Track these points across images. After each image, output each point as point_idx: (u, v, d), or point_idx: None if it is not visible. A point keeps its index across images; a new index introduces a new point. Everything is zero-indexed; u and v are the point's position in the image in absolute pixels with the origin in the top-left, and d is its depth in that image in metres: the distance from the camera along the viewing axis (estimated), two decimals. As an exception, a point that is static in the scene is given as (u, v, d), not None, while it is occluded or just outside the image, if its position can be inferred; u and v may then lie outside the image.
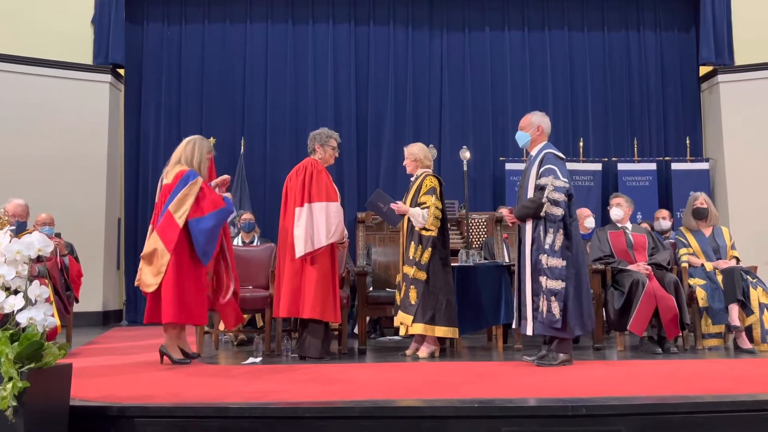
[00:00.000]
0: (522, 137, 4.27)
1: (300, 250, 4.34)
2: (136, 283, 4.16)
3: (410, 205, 4.59)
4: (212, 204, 4.08)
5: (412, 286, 4.46)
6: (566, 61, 8.94)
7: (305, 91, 8.68)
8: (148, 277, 4.03)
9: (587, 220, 5.84)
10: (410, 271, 4.49)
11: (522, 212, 4.06)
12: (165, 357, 4.17)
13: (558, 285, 3.87)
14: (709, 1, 8.50)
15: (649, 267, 4.83)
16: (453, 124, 8.74)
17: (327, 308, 4.37)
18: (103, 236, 7.92)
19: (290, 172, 4.64)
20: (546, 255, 3.91)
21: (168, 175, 4.19)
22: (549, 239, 3.92)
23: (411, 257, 4.50)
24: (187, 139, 4.33)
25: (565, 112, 8.82)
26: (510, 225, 4.30)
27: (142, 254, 4.11)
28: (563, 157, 4.19)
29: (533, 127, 4.22)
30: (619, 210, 5.12)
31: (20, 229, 4.90)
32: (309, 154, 4.67)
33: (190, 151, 4.23)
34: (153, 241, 4.05)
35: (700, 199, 5.20)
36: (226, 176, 4.38)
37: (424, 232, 4.48)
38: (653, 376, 3.62)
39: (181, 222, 4.01)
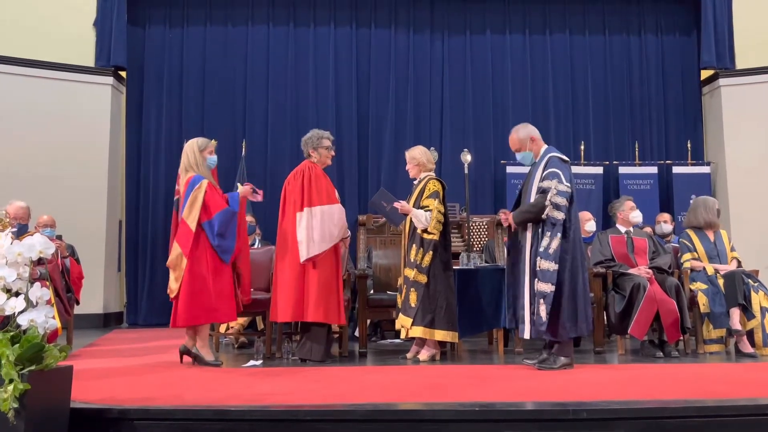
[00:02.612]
0: (525, 157, 4.24)
1: (303, 254, 4.35)
2: (168, 292, 4.30)
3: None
4: (217, 206, 4.21)
5: (412, 289, 4.46)
6: (567, 65, 8.94)
7: (306, 94, 8.68)
8: (173, 283, 4.21)
9: (588, 223, 5.83)
10: (411, 273, 4.48)
11: (522, 217, 4.06)
12: (186, 358, 4.27)
13: (547, 288, 3.86)
14: (711, 4, 8.50)
15: (650, 270, 4.83)
16: (454, 127, 8.74)
17: (331, 310, 4.37)
18: (104, 238, 7.92)
19: (288, 176, 4.63)
20: (540, 258, 3.91)
21: (180, 185, 4.34)
22: (545, 242, 3.92)
23: (412, 260, 4.50)
24: (184, 146, 4.45)
25: (566, 116, 8.81)
26: (504, 225, 4.28)
27: (167, 263, 4.28)
28: (567, 159, 4.19)
29: (527, 141, 4.21)
30: (639, 212, 5.15)
31: (21, 232, 4.91)
32: (306, 158, 4.67)
33: (186, 156, 4.36)
34: (174, 249, 4.23)
35: (718, 203, 5.29)
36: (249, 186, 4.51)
37: (425, 235, 4.48)
38: (654, 379, 3.62)
39: (193, 226, 4.15)
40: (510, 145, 4.33)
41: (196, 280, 4.12)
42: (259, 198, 4.45)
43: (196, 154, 4.33)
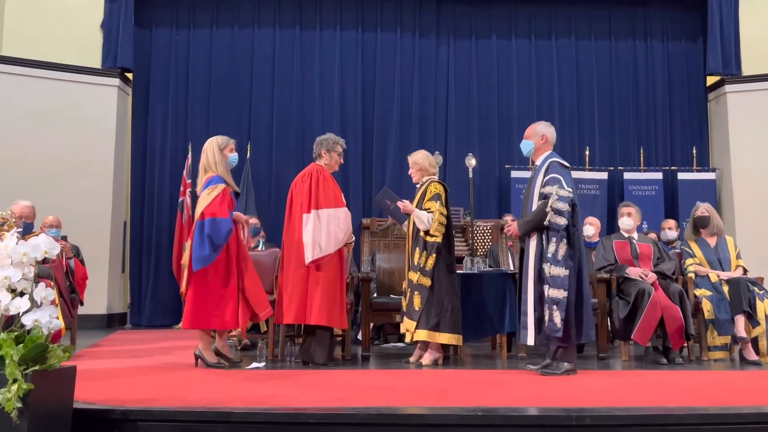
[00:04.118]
0: (526, 146, 4.28)
1: (309, 256, 4.34)
2: (181, 291, 4.35)
3: (415, 213, 4.59)
4: (214, 213, 4.14)
5: (416, 292, 4.45)
6: (573, 70, 8.94)
7: (312, 97, 8.70)
8: (184, 283, 4.23)
9: (584, 228, 5.81)
10: (415, 276, 4.47)
11: (526, 227, 4.06)
12: (200, 360, 4.25)
13: (560, 294, 3.86)
14: (717, 11, 8.49)
15: (647, 272, 4.81)
16: (459, 131, 8.75)
17: (333, 314, 4.37)
18: (109, 239, 7.95)
19: (295, 178, 4.63)
20: (549, 264, 3.91)
21: (199, 186, 4.32)
22: (552, 248, 3.92)
23: (416, 263, 4.49)
24: (205, 145, 4.41)
25: (571, 121, 8.81)
26: (511, 237, 4.30)
27: (182, 261, 4.35)
28: (568, 166, 4.20)
29: (537, 136, 4.23)
30: (630, 220, 5.12)
31: (27, 231, 4.93)
32: (314, 160, 4.68)
33: (206, 155, 4.33)
34: (188, 249, 4.22)
35: (701, 209, 5.21)
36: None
37: (428, 238, 4.48)
38: (658, 386, 3.60)
39: None
40: (526, 130, 4.33)
41: (200, 283, 4.13)
42: (245, 232, 4.47)
43: (216, 153, 4.29)
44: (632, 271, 4.85)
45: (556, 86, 8.89)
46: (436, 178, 4.74)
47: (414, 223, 4.59)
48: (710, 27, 8.51)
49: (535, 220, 4.00)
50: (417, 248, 4.52)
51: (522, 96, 8.84)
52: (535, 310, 3.96)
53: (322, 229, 4.37)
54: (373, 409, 2.84)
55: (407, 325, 4.50)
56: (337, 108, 8.65)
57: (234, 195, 4.35)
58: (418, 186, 4.75)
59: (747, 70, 8.49)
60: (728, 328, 4.74)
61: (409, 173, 4.81)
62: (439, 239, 4.47)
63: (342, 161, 4.74)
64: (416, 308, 4.43)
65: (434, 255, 4.45)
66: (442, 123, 8.79)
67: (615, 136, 8.88)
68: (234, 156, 4.38)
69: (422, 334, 4.42)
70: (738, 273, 4.98)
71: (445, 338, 4.42)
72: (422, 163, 4.72)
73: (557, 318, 3.84)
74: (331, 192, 4.47)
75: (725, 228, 5.43)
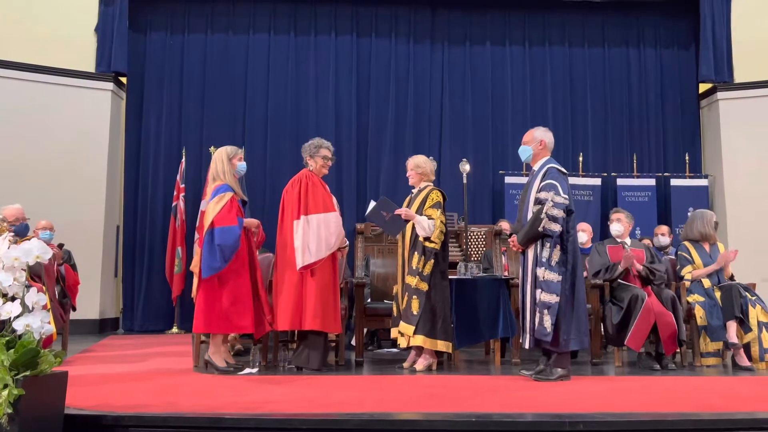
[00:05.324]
0: (524, 151, 4.30)
1: (300, 262, 4.34)
2: (192, 295, 4.42)
3: (413, 218, 4.59)
4: (223, 221, 4.17)
5: (414, 297, 4.45)
6: (566, 77, 8.98)
7: (306, 103, 8.70)
8: (194, 287, 4.32)
9: (577, 234, 5.83)
10: (413, 281, 4.47)
11: (526, 238, 4.07)
12: (209, 366, 4.28)
13: (552, 299, 3.89)
14: (709, 18, 8.56)
15: (630, 253, 4.87)
16: (453, 136, 8.76)
17: (328, 319, 4.37)
18: (102, 244, 7.91)
19: (286, 185, 4.63)
20: (543, 268, 3.94)
21: (207, 195, 4.36)
22: (546, 253, 3.95)
23: (414, 267, 4.49)
24: (214, 154, 4.48)
25: (564, 127, 8.84)
26: (515, 251, 4.32)
27: (191, 267, 4.42)
28: (566, 172, 4.22)
29: (536, 142, 4.26)
30: (619, 225, 5.14)
31: (25, 231, 4.93)
32: (304, 166, 4.68)
33: (215, 164, 4.39)
34: (196, 253, 4.33)
35: (715, 216, 5.30)
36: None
37: (427, 244, 4.48)
38: (651, 392, 3.61)
39: None
40: (524, 136, 4.34)
41: (211, 288, 4.16)
42: (258, 236, 4.48)
43: (225, 163, 4.36)
44: (621, 264, 4.91)
45: (550, 92, 8.92)
46: (432, 185, 4.75)
47: (413, 227, 4.58)
48: (702, 34, 8.56)
49: (533, 229, 4.01)
50: (415, 253, 4.52)
51: (516, 102, 8.87)
52: (532, 314, 3.98)
53: (313, 235, 4.37)
54: (367, 415, 2.83)
55: (404, 329, 4.48)
56: (331, 113, 8.65)
57: (241, 203, 4.38)
58: (414, 191, 4.75)
59: (739, 77, 8.54)
60: (720, 334, 4.76)
61: (407, 176, 4.80)
62: (438, 246, 4.48)
63: (330, 164, 4.70)
64: (414, 312, 4.43)
65: (432, 260, 4.46)
66: (437, 128, 8.80)
67: (608, 143, 8.91)
68: (242, 165, 4.45)
69: (419, 339, 4.42)
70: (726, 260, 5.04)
71: (440, 345, 4.43)
72: (424, 167, 4.72)
73: (547, 322, 3.88)
74: (320, 197, 4.46)
75: (717, 234, 5.49)
